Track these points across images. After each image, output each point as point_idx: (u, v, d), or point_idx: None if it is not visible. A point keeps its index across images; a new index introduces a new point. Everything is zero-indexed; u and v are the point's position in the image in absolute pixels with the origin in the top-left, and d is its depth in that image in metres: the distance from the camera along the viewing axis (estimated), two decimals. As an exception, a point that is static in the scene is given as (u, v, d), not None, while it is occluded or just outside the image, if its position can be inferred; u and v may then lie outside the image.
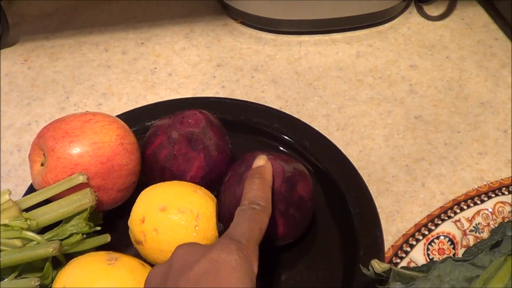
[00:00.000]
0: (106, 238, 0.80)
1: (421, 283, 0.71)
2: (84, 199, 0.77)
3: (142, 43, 1.12)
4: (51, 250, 0.74)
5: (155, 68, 1.09)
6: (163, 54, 1.10)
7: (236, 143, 0.88)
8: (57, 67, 1.10)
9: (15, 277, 0.76)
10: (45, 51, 1.13)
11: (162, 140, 0.82)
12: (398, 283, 0.71)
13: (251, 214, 0.69)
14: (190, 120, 0.82)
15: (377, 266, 0.73)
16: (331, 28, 1.11)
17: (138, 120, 0.94)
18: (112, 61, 1.10)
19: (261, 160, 0.75)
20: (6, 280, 0.76)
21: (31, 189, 0.86)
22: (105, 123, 0.82)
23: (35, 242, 0.76)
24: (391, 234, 0.85)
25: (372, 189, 0.87)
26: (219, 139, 0.83)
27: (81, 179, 0.78)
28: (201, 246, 0.65)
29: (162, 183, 0.81)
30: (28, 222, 0.77)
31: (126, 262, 0.73)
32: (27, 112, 1.04)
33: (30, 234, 0.76)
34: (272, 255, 0.83)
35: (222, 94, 1.03)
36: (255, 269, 0.64)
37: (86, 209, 0.78)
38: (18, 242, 0.76)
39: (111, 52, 1.11)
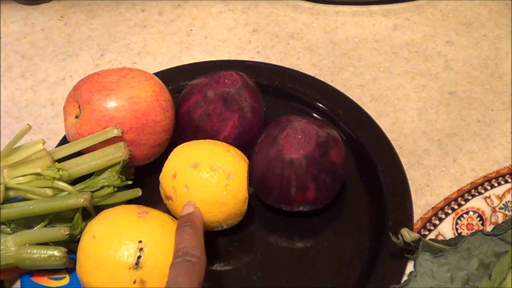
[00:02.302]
0: (137, 192, 0.80)
1: (450, 254, 0.71)
2: (118, 153, 0.78)
3: (179, 5, 1.12)
4: (82, 200, 0.74)
5: (191, 30, 1.08)
6: (199, 16, 1.10)
7: (270, 107, 0.88)
8: (93, 25, 1.10)
9: (44, 227, 0.77)
10: (81, 8, 1.13)
11: (197, 98, 0.82)
12: (427, 253, 0.71)
13: (187, 267, 0.66)
14: (226, 80, 0.82)
15: (407, 235, 0.73)
16: (369, 0, 1.10)
17: (173, 79, 0.94)
18: (148, 21, 1.10)
19: (189, 207, 0.74)
20: (35, 228, 0.77)
21: (63, 142, 0.87)
22: (142, 79, 0.82)
23: (66, 192, 0.77)
24: (419, 207, 0.84)
25: (403, 162, 0.86)
26: (254, 101, 0.83)
27: (115, 132, 0.78)
28: None
29: (195, 141, 0.81)
30: (61, 172, 0.77)
31: (156, 216, 0.73)
32: (62, 67, 1.04)
33: (62, 184, 0.77)
34: (301, 220, 0.83)
35: (257, 59, 1.02)
36: None
37: (118, 163, 0.78)
38: (49, 192, 0.76)
39: (148, 12, 1.11)
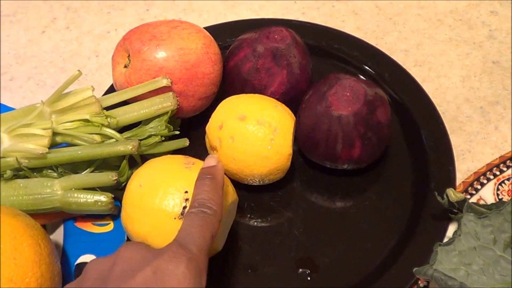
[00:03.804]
0: (185, 142, 0.81)
1: (494, 216, 0.71)
2: (166, 102, 0.78)
3: (225, -37, 1.13)
4: (130, 147, 0.75)
5: (237, -12, 1.09)
6: (245, -25, 1.11)
7: (315, 67, 0.88)
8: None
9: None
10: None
11: (246, 53, 0.83)
12: (472, 214, 0.72)
13: (202, 219, 0.64)
14: (276, 36, 0.82)
15: (452, 195, 0.74)
16: (414, -34, 1.10)
17: (220, 36, 0.93)
18: (194, -22, 1.11)
19: (211, 160, 0.71)
20: (83, 173, 0.78)
21: (108, 93, 0.87)
22: (192, 31, 0.82)
23: (114, 140, 0.78)
24: (461, 172, 0.85)
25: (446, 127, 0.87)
26: (302, 58, 0.83)
27: (164, 82, 0.79)
28: (149, 249, 0.61)
29: (244, 94, 0.82)
30: (109, 119, 0.78)
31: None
32: (107, 20, 1.05)
33: (110, 131, 0.78)
34: (344, 179, 0.84)
35: (302, 20, 1.02)
36: (204, 283, 0.60)
37: (167, 112, 0.79)
38: (97, 138, 0.77)
39: (193, -29, 1.12)
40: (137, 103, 0.80)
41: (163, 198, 0.70)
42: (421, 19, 1.03)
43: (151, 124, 0.79)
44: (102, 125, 0.78)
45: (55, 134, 0.78)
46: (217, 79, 0.84)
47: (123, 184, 0.78)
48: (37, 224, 0.71)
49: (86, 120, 0.78)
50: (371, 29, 1.02)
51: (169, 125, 0.79)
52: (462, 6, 1.05)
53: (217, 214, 0.65)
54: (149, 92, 0.79)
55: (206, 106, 0.85)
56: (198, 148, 0.82)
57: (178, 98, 0.80)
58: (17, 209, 0.73)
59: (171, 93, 0.79)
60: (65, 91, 0.79)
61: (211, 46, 0.83)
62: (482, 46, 0.99)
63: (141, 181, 0.72)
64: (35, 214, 0.75)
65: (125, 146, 0.75)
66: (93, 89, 0.79)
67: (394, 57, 0.95)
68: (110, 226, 0.78)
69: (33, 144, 0.76)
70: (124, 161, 0.77)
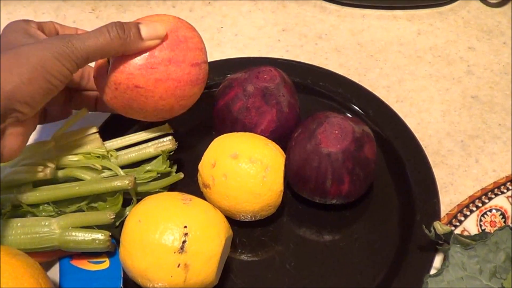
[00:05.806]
0: (179, 175, 0.83)
1: (479, 247, 0.74)
2: (166, 141, 0.83)
3: (209, 2, 1.15)
4: (127, 182, 0.78)
5: (222, 27, 1.11)
6: (229, 15, 1.13)
7: (302, 104, 0.90)
8: (125, 19, 1.11)
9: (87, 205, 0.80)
10: (112, 2, 1.16)
11: (237, 92, 0.85)
12: (458, 245, 0.74)
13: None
14: (265, 76, 0.85)
15: (439, 227, 0.76)
16: (393, 4, 1.13)
17: (208, 74, 0.95)
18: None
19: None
20: (80, 212, 0.79)
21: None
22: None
23: (112, 173, 0.81)
24: (444, 204, 0.87)
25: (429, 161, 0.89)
26: (291, 96, 0.86)
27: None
28: None
29: (235, 133, 0.84)
30: (110, 153, 0.82)
31: (199, 203, 0.76)
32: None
33: (109, 163, 0.80)
34: (332, 213, 0.86)
35: (286, 58, 1.05)
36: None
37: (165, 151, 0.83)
38: (98, 165, 0.80)
39: (178, 9, 1.14)
40: (137, 147, 0.84)
41: (163, 233, 0.72)
42: (401, 56, 1.06)
43: (150, 163, 0.83)
44: (103, 156, 0.80)
45: (57, 168, 0.81)
46: (201, 45, 0.84)
47: (118, 223, 0.79)
48: (36, 263, 0.72)
49: (88, 153, 0.80)
50: (354, 66, 1.05)
51: (167, 161, 0.82)
52: (441, 43, 1.08)
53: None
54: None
55: (188, 106, 0.85)
56: (191, 186, 0.84)
57: (169, 66, 0.79)
58: (16, 248, 0.74)
59: (170, 137, 0.84)
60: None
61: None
62: (461, 81, 1.03)
63: (140, 217, 0.74)
64: (31, 253, 0.76)
65: (122, 181, 0.78)
66: (97, 129, 0.83)
67: (376, 93, 0.98)
68: (106, 264, 0.79)
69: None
70: (119, 196, 0.79)
